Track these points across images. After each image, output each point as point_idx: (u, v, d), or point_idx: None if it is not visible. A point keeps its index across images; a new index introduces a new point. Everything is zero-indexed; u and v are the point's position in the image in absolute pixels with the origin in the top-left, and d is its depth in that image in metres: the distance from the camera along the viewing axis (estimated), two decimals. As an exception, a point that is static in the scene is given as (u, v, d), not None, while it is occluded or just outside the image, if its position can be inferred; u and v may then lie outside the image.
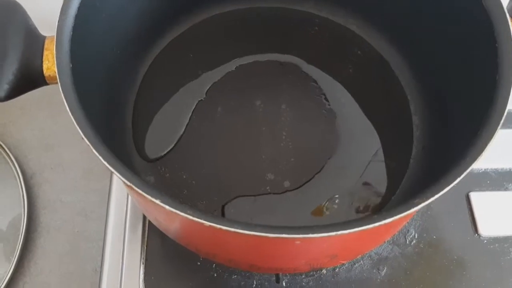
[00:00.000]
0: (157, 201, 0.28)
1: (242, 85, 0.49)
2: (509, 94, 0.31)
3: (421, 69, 0.46)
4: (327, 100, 0.49)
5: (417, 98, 0.46)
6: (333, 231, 0.26)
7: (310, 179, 0.44)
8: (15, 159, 0.53)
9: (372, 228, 0.27)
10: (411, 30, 0.46)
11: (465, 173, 0.29)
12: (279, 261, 0.36)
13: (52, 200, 0.54)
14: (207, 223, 0.27)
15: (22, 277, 0.50)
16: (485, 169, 0.50)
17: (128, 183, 0.28)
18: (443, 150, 0.38)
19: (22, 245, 0.49)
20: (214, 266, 0.45)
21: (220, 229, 0.26)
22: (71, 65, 0.33)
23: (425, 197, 0.28)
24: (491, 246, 0.46)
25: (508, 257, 0.46)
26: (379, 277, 0.45)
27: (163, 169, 0.45)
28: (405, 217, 0.27)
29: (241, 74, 0.50)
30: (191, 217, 0.27)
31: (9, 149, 0.54)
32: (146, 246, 0.46)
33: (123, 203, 0.48)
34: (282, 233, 0.26)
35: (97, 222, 0.51)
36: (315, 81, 0.50)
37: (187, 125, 0.47)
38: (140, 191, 0.28)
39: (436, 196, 0.28)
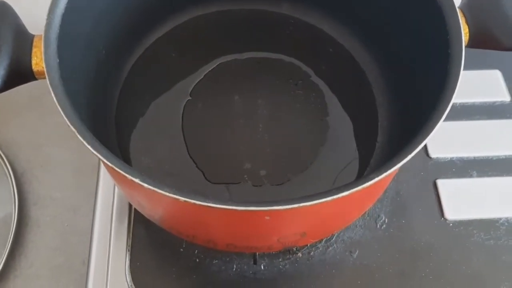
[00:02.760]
0: (137, 180, 0.30)
1: (221, 82, 0.52)
2: (457, 81, 0.34)
3: (385, 64, 0.49)
4: (302, 95, 0.51)
5: (382, 90, 0.49)
6: (295, 203, 0.28)
7: (289, 179, 0.47)
8: (6, 157, 0.55)
9: (331, 201, 0.29)
10: (376, 29, 0.49)
11: (410, 156, 0.31)
12: (253, 239, 0.38)
13: (42, 197, 0.55)
14: (182, 199, 0.29)
15: (13, 271, 0.51)
16: (450, 158, 0.52)
17: (110, 164, 0.31)
18: (405, 139, 0.41)
19: (13, 239, 0.51)
20: (196, 252, 0.47)
21: (194, 204, 0.29)
22: (58, 61, 0.36)
23: (384, 169, 0.30)
24: (457, 229, 0.49)
25: (473, 239, 0.48)
26: (351, 259, 0.47)
27: (143, 159, 0.47)
28: (361, 190, 0.30)
29: (221, 72, 0.53)
30: (168, 194, 0.29)
31: (0, 148, 0.56)
32: (132, 235, 0.48)
33: (110, 194, 0.50)
34: (250, 206, 0.29)
35: (86, 217, 0.53)
36: (290, 77, 0.52)
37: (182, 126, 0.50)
38: (121, 172, 0.31)
39: (387, 173, 0.30)
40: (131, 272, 0.46)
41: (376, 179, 0.30)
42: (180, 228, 0.39)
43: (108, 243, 0.48)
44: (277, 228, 0.36)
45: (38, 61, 0.37)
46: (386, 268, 0.47)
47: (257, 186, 0.46)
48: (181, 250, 0.47)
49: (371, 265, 0.47)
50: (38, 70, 0.38)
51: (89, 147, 0.32)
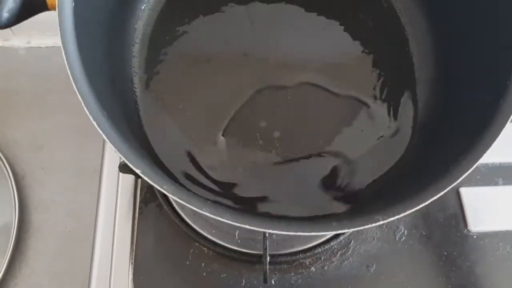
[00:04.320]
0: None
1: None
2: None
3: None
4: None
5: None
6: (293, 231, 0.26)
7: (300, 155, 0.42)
8: (6, 160, 0.53)
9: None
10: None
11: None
12: None
13: (44, 201, 0.53)
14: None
15: (13, 278, 0.50)
16: (475, 164, 0.49)
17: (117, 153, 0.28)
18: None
19: (13, 245, 0.49)
20: (203, 265, 0.45)
21: None
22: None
23: (385, 215, 0.27)
24: (481, 242, 0.46)
25: (498, 252, 0.46)
26: (368, 274, 0.45)
27: (160, 96, 0.44)
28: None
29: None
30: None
31: (0, 150, 0.54)
32: (135, 246, 0.46)
33: (112, 202, 0.48)
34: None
35: (89, 222, 0.50)
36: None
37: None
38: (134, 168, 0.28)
39: (397, 216, 0.28)
40: (134, 285, 0.44)
41: (379, 222, 0.27)
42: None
43: (111, 255, 0.46)
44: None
45: None
46: (405, 283, 0.44)
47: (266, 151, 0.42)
48: (187, 263, 0.45)
49: (390, 280, 0.44)
50: (52, 3, 0.35)
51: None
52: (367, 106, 0.44)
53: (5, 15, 0.34)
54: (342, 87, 0.44)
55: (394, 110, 0.44)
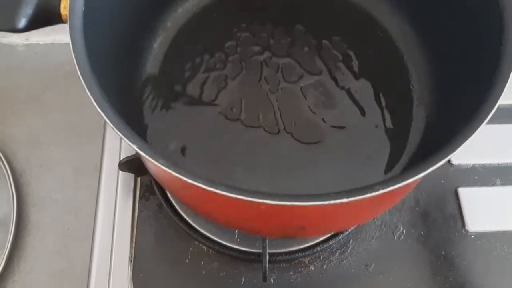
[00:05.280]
0: (150, 158, 0.28)
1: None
2: (502, 90, 0.31)
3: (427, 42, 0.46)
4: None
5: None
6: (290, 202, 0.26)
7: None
8: (4, 157, 0.53)
9: (329, 205, 0.27)
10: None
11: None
12: (254, 223, 0.36)
13: (42, 198, 0.53)
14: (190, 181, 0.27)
15: (11, 276, 0.50)
16: (473, 165, 0.50)
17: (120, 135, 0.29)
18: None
19: (11, 243, 0.49)
20: (202, 263, 0.45)
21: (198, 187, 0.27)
22: (83, 8, 0.34)
23: (385, 185, 0.27)
24: (479, 242, 0.46)
25: (495, 252, 0.46)
26: (367, 273, 0.45)
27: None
28: (361, 200, 0.27)
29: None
30: (175, 174, 0.28)
31: (-2, 146, 0.53)
32: (135, 244, 0.46)
33: (111, 200, 0.48)
34: (241, 195, 0.27)
35: (87, 220, 0.51)
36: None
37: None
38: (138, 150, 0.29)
39: (398, 185, 0.27)
40: (133, 283, 0.44)
41: (378, 192, 0.27)
42: (194, 206, 0.38)
43: (110, 253, 0.46)
44: (274, 217, 0.33)
45: (67, 5, 0.35)
46: (404, 282, 0.44)
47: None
48: (187, 261, 0.45)
49: (388, 279, 0.44)
50: (66, 15, 0.35)
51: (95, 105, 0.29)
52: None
53: (22, 19, 0.36)
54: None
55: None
